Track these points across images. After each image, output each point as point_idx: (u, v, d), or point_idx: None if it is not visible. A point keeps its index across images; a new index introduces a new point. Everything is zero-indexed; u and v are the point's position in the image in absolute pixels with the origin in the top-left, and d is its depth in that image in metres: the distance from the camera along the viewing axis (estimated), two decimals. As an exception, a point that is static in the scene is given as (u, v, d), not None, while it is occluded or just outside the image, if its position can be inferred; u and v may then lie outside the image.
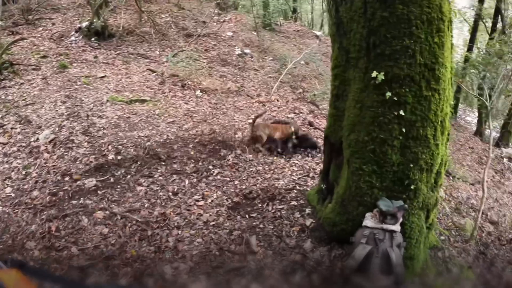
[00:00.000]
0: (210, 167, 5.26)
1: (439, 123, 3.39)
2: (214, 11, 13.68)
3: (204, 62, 10.44)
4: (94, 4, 9.95)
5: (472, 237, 4.58)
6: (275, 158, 5.75)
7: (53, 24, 10.55)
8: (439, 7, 3.17)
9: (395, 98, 3.27)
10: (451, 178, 6.20)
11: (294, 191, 4.83)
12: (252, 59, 11.93)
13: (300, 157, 5.90)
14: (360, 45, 3.38)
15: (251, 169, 5.34)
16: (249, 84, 9.73)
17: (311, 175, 5.37)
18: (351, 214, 3.65)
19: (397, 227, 3.33)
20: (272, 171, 5.35)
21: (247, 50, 12.28)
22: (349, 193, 3.65)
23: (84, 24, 9.77)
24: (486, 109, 6.38)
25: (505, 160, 8.79)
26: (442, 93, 3.34)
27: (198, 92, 7.88)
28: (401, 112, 3.29)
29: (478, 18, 12.76)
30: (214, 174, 5.12)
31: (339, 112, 3.86)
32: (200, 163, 5.32)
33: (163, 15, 12.70)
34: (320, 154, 5.85)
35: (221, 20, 13.75)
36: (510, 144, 10.57)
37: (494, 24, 11.97)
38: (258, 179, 5.09)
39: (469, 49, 12.58)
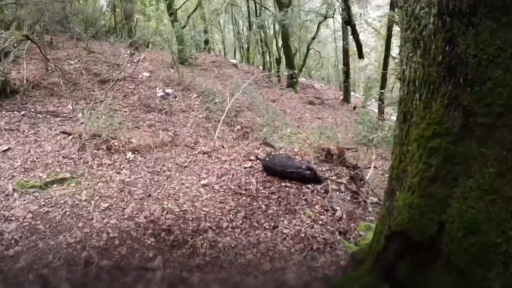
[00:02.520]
0: (184, 274, 3.48)
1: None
2: (127, 51, 11.91)
3: (126, 112, 8.67)
4: (-10, 56, 7.69)
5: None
6: (258, 231, 4.30)
7: None
8: None
9: None
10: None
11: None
12: (177, 99, 10.41)
13: (286, 222, 4.50)
14: None
15: (239, 260, 3.73)
16: (182, 131, 8.17)
17: (315, 246, 4.01)
18: None
19: None
20: (267, 256, 3.81)
21: (169, 90, 10.78)
22: None
23: (-20, 82, 7.40)
24: None
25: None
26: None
27: (129, 154, 6.14)
28: None
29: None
30: (195, 285, 3.34)
31: (434, 201, 2.50)
32: (168, 270, 3.53)
33: (72, 62, 10.63)
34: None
35: (135, 61, 12.02)
36: None
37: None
38: (257, 277, 3.49)
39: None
